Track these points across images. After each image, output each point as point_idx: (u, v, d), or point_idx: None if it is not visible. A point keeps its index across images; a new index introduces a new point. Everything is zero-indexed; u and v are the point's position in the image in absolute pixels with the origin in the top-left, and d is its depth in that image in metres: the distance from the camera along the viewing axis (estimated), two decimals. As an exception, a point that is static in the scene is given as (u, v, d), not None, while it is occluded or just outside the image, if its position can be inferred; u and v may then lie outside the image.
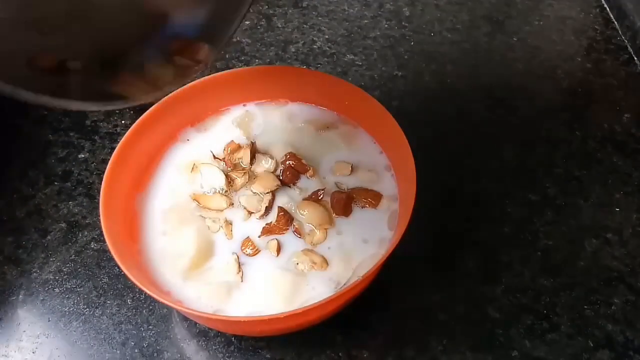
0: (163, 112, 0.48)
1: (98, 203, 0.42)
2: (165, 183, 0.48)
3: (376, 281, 0.42)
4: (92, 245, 0.50)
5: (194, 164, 0.49)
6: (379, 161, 0.49)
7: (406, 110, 0.60)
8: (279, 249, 0.44)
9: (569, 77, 0.64)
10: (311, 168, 0.48)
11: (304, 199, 0.46)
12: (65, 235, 0.51)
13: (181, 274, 0.43)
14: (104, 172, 0.43)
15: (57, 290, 0.48)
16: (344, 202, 0.46)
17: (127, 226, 0.45)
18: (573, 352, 0.44)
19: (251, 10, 0.37)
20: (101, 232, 0.41)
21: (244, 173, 0.47)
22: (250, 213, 0.46)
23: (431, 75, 0.64)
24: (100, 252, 0.50)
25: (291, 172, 0.47)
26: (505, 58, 0.66)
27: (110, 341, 0.45)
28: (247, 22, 0.69)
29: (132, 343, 0.45)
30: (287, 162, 0.48)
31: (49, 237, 0.51)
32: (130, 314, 0.46)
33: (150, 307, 0.47)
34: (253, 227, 0.45)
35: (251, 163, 0.48)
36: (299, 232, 0.44)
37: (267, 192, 0.46)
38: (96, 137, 0.58)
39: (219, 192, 0.47)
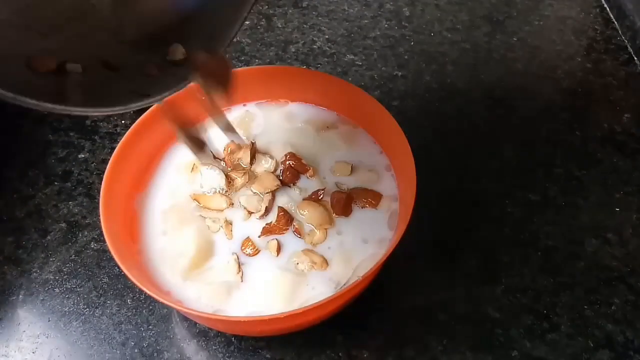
0: (163, 112, 0.48)
1: (98, 203, 0.42)
2: (165, 183, 0.48)
3: (376, 281, 0.42)
4: (92, 245, 0.50)
5: (194, 164, 0.49)
6: (379, 161, 0.49)
7: (406, 110, 0.60)
8: (279, 249, 0.44)
9: (569, 77, 0.64)
10: (311, 168, 0.48)
11: (304, 199, 0.46)
12: (65, 235, 0.51)
13: (181, 274, 0.43)
14: (104, 172, 0.43)
15: (57, 290, 0.48)
16: (344, 202, 0.46)
17: (127, 226, 0.45)
18: (573, 352, 0.44)
19: (252, 10, 0.37)
20: (101, 232, 0.41)
21: (244, 173, 0.47)
22: (250, 213, 0.46)
23: (431, 75, 0.64)
24: (100, 252, 0.50)
25: (291, 172, 0.47)
26: (505, 58, 0.66)
27: (110, 341, 0.45)
28: (247, 22, 0.69)
29: (132, 343, 0.45)
30: (287, 162, 0.48)
31: (49, 237, 0.51)
32: (130, 314, 0.46)
33: (150, 307, 0.47)
34: (253, 227, 0.45)
35: (251, 163, 0.48)
36: (299, 232, 0.44)
37: (267, 192, 0.46)
38: (96, 137, 0.58)
39: (219, 192, 0.47)
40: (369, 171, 0.48)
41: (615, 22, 0.69)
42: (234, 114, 0.53)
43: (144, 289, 0.38)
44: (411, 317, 0.46)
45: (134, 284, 0.38)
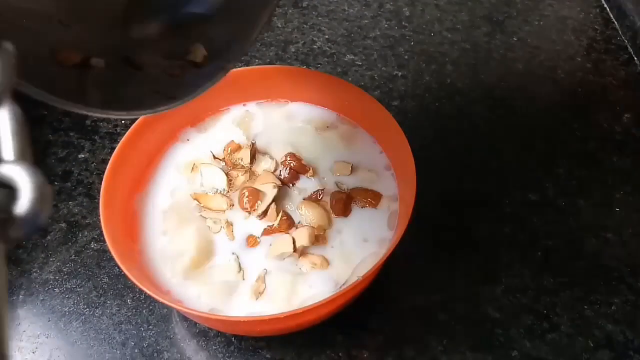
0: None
1: (98, 203, 0.42)
2: (165, 183, 0.48)
3: (376, 281, 0.42)
4: (92, 245, 0.50)
5: (194, 164, 0.49)
6: (379, 161, 0.49)
7: (406, 110, 0.60)
8: (279, 250, 0.44)
9: (569, 77, 0.64)
10: (311, 168, 0.48)
11: (304, 199, 0.46)
12: (65, 235, 0.51)
13: (181, 273, 0.43)
14: (104, 172, 0.43)
15: (57, 290, 0.48)
16: (343, 202, 0.46)
17: (127, 226, 0.45)
18: (573, 352, 0.44)
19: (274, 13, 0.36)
20: (101, 232, 0.41)
21: (245, 171, 0.47)
22: (249, 212, 0.46)
23: (431, 75, 0.64)
24: (100, 252, 0.50)
25: (291, 172, 0.47)
26: (505, 58, 0.66)
27: (110, 341, 0.45)
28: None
29: (132, 343, 0.45)
30: (287, 162, 0.48)
31: (49, 237, 0.51)
32: (130, 314, 0.46)
33: (150, 307, 0.47)
34: (253, 227, 0.45)
35: (251, 163, 0.48)
36: (299, 233, 0.44)
37: (267, 192, 0.46)
38: (96, 137, 0.58)
39: (220, 192, 0.47)
40: (368, 171, 0.48)
41: (615, 22, 0.69)
42: (234, 113, 0.53)
43: (144, 289, 0.38)
44: (411, 317, 0.46)
45: (134, 284, 0.38)
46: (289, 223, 0.45)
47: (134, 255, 0.43)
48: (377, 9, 0.71)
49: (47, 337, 0.45)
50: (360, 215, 0.46)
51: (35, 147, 0.56)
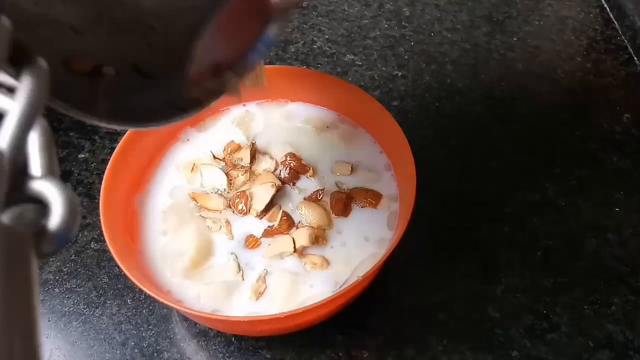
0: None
1: (98, 203, 0.42)
2: (165, 183, 0.48)
3: (376, 281, 0.42)
4: (92, 245, 0.50)
5: (194, 164, 0.49)
6: (379, 161, 0.49)
7: (406, 110, 0.60)
8: (279, 250, 0.44)
9: (569, 77, 0.64)
10: (311, 168, 0.48)
11: (304, 199, 0.46)
12: (65, 235, 0.51)
13: (181, 273, 0.43)
14: (104, 172, 0.43)
15: (57, 290, 0.48)
16: (343, 202, 0.46)
17: (127, 226, 0.45)
18: (573, 352, 0.44)
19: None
20: (101, 232, 0.41)
21: (245, 171, 0.47)
22: (249, 212, 0.46)
23: (431, 75, 0.64)
24: (100, 252, 0.50)
25: (291, 172, 0.47)
26: (505, 58, 0.66)
27: (110, 341, 0.45)
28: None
29: (132, 343, 0.45)
30: (287, 162, 0.48)
31: (49, 237, 0.51)
32: (130, 314, 0.46)
33: (150, 307, 0.47)
34: (253, 226, 0.45)
35: (251, 163, 0.48)
36: (299, 233, 0.44)
37: (267, 192, 0.46)
38: (96, 137, 0.58)
39: (220, 192, 0.47)
40: (369, 171, 0.48)
41: (615, 22, 0.69)
42: (234, 113, 0.53)
43: (144, 289, 0.38)
44: (411, 317, 0.46)
45: (134, 284, 0.38)
46: (289, 223, 0.45)
47: (134, 255, 0.43)
48: (377, 9, 0.71)
49: (47, 337, 0.45)
50: (360, 215, 0.46)
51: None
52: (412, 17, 0.70)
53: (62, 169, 0.56)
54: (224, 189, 0.47)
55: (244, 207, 0.45)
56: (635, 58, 0.65)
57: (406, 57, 0.65)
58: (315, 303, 0.37)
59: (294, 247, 0.43)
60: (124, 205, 0.45)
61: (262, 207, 0.45)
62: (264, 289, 0.42)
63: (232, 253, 0.44)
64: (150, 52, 0.34)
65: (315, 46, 0.67)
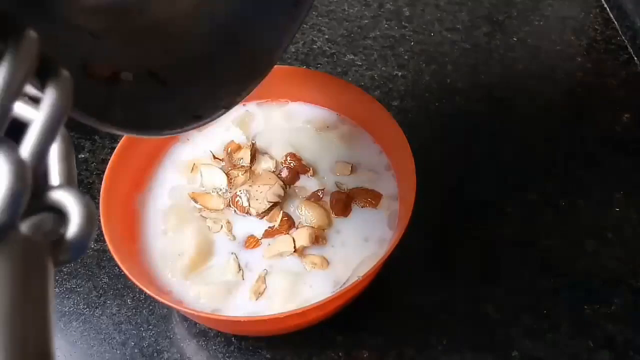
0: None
1: (98, 203, 0.42)
2: (166, 183, 0.48)
3: (376, 281, 0.42)
4: (92, 245, 0.50)
5: (194, 164, 0.49)
6: (379, 161, 0.49)
7: (406, 110, 0.60)
8: (279, 249, 0.44)
9: (569, 77, 0.63)
10: (311, 168, 0.48)
11: (304, 199, 0.46)
12: (65, 235, 0.51)
13: (181, 273, 0.43)
14: (104, 172, 0.43)
15: (57, 290, 0.48)
16: (343, 202, 0.46)
17: (127, 226, 0.45)
18: (573, 352, 0.44)
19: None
20: (101, 232, 0.41)
21: (245, 171, 0.47)
22: (248, 211, 0.46)
23: (431, 75, 0.64)
24: (100, 252, 0.50)
25: (291, 172, 0.47)
26: (505, 58, 0.66)
27: (110, 341, 0.45)
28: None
29: (132, 343, 0.45)
30: (287, 162, 0.48)
31: (49, 237, 0.51)
32: (130, 314, 0.46)
33: (150, 307, 0.47)
34: (254, 226, 0.45)
35: (251, 163, 0.48)
36: (299, 234, 0.44)
37: (267, 192, 0.46)
38: (96, 137, 0.58)
39: (220, 192, 0.47)
40: (369, 171, 0.48)
41: (615, 22, 0.69)
42: (234, 113, 0.52)
43: (144, 289, 0.38)
44: (411, 317, 0.46)
45: (134, 284, 0.38)
46: (289, 224, 0.45)
47: (134, 255, 0.43)
48: (377, 9, 0.71)
49: (47, 337, 0.45)
50: (360, 215, 0.46)
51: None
52: (412, 17, 0.70)
53: (62, 169, 0.55)
54: (224, 189, 0.47)
55: (246, 204, 0.45)
56: (635, 58, 0.65)
57: (406, 57, 0.65)
58: (315, 303, 0.37)
59: (294, 247, 0.43)
60: (124, 205, 0.45)
61: (264, 207, 0.45)
62: (264, 289, 0.42)
63: (232, 253, 0.44)
64: (167, 59, 0.34)
65: (315, 46, 0.67)
